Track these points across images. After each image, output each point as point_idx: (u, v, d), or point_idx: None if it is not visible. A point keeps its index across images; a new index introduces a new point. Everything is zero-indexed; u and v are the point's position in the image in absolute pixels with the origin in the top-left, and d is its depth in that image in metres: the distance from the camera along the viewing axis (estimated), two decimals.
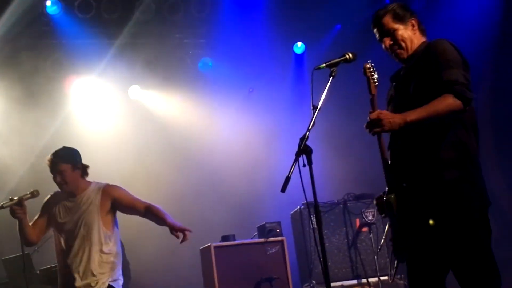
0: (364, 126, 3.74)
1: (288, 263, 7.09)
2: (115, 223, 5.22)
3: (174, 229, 5.02)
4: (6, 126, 8.11)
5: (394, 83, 4.06)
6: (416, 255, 3.82)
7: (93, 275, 5.01)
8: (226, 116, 8.78)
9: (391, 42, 3.98)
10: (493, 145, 7.64)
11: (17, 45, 8.03)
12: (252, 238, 7.26)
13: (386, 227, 4.29)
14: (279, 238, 7.16)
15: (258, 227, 7.28)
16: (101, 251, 5.06)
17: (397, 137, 3.79)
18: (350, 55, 4.02)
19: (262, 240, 7.13)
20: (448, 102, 3.61)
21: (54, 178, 5.14)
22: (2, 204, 5.14)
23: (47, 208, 5.23)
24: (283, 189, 3.61)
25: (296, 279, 7.30)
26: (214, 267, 6.92)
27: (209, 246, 7.01)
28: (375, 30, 4.05)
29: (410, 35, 4.00)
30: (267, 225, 7.20)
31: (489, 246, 3.63)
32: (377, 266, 6.69)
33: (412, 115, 3.63)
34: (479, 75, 6.93)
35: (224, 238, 7.17)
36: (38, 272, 6.68)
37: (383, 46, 4.02)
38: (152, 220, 5.21)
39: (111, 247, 5.12)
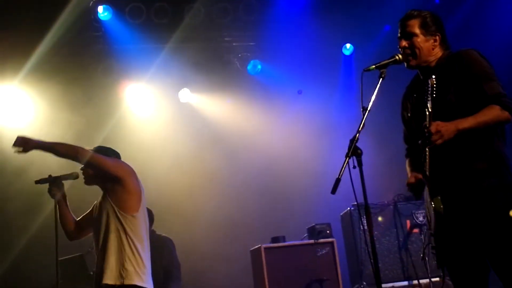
0: (420, 142, 3.79)
1: (338, 265, 7.08)
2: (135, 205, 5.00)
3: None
4: (58, 130, 8.25)
5: (414, 94, 4.14)
6: (459, 258, 3.89)
7: (109, 269, 4.83)
8: (275, 118, 8.81)
9: (406, 45, 4.04)
10: None
11: (69, 51, 8.14)
12: (302, 240, 7.26)
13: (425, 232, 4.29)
14: (329, 240, 7.15)
15: (308, 229, 7.28)
16: (121, 244, 4.86)
17: (435, 147, 3.79)
18: (400, 56, 4.05)
19: (312, 241, 7.13)
20: (497, 113, 3.74)
21: (82, 171, 5.12)
22: (40, 180, 5.21)
23: (95, 205, 5.18)
24: (333, 191, 3.63)
25: (346, 280, 7.27)
26: (264, 268, 6.94)
27: (259, 247, 7.04)
28: (399, 25, 4.11)
29: (428, 46, 4.06)
30: (317, 226, 7.20)
31: None
32: (428, 267, 6.62)
33: (464, 124, 3.72)
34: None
35: (274, 240, 7.19)
36: (92, 273, 6.77)
37: (398, 44, 4.08)
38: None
39: (132, 236, 4.88)
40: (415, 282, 6.76)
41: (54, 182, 5.16)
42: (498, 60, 4.00)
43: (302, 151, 8.62)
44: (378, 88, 3.86)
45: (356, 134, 3.72)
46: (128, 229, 4.86)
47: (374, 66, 3.97)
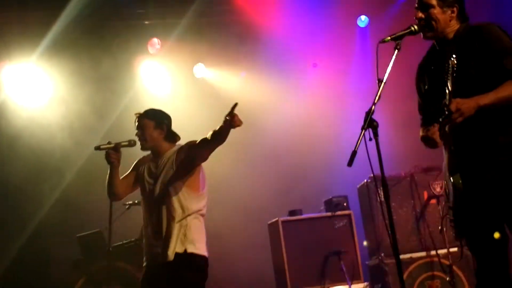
0: (440, 120, 3.79)
1: (356, 237, 7.11)
2: (199, 183, 5.12)
3: (230, 116, 4.90)
4: (76, 106, 8.30)
5: (431, 66, 4.11)
6: (479, 230, 3.90)
7: (170, 240, 4.93)
8: (290, 91, 8.79)
9: (423, 16, 4.01)
10: None
11: (84, 27, 8.14)
12: (319, 212, 7.29)
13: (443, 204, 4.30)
14: (346, 212, 7.18)
15: (325, 201, 7.31)
16: (182, 214, 4.98)
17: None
18: (416, 27, 4.03)
19: (329, 214, 7.16)
20: None
21: (136, 133, 5.19)
22: (100, 146, 5.25)
23: (137, 167, 5.27)
24: (350, 163, 3.63)
25: (364, 252, 7.30)
26: (282, 241, 6.98)
27: (277, 220, 7.08)
28: None
29: (444, 18, 4.02)
30: (334, 199, 7.22)
31: None
32: (446, 238, 6.63)
33: (484, 100, 3.72)
34: None
35: (292, 213, 7.21)
36: (110, 249, 6.84)
37: (415, 14, 4.05)
38: (217, 142, 5.09)
39: (194, 209, 5.03)
40: (433, 252, 6.77)
41: (113, 148, 5.23)
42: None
43: (317, 124, 8.61)
44: (394, 59, 3.84)
45: (372, 106, 3.71)
46: (191, 204, 5.01)
47: (389, 38, 3.94)
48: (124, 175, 5.30)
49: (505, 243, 3.91)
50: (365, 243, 7.03)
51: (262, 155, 8.56)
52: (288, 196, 8.10)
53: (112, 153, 5.21)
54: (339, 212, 7.14)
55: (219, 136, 5.03)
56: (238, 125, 4.90)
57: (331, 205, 7.20)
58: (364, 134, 3.66)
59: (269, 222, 7.26)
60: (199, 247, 4.99)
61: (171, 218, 4.97)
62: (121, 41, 8.47)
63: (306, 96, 8.76)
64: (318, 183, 8.24)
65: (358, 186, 7.46)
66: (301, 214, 7.21)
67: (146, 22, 8.55)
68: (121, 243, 6.66)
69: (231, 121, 4.85)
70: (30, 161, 8.07)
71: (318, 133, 8.56)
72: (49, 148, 8.11)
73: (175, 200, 4.99)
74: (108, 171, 5.21)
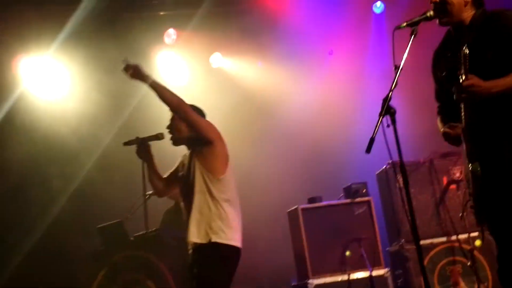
0: (453, 89, 3.82)
1: (376, 223, 7.11)
2: (218, 166, 5.08)
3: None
4: (96, 96, 8.34)
5: (447, 52, 4.10)
6: (500, 216, 3.90)
7: (195, 229, 4.95)
8: (307, 79, 8.78)
9: (437, 0, 3.99)
10: None
11: (100, 20, 8.19)
12: (338, 199, 7.29)
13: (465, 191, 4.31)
14: (366, 198, 7.17)
15: (344, 188, 7.31)
16: (206, 205, 4.97)
17: (473, 107, 3.84)
18: (432, 12, 4.02)
19: (348, 201, 7.16)
20: None
21: (167, 126, 5.22)
22: (128, 141, 5.34)
23: (181, 162, 5.28)
24: (368, 150, 3.64)
25: (384, 238, 7.30)
26: (302, 228, 6.99)
27: (297, 208, 7.09)
28: None
29: (460, 2, 4.00)
30: (353, 186, 7.21)
31: None
32: (466, 223, 6.61)
33: (498, 86, 3.74)
34: None
35: (311, 200, 7.22)
36: (132, 238, 6.90)
37: None
38: (169, 107, 5.06)
39: (218, 195, 4.99)
40: (454, 237, 6.76)
41: (141, 143, 5.28)
42: None
43: (334, 111, 8.60)
44: (410, 45, 3.84)
45: (389, 93, 3.71)
46: (214, 191, 4.97)
47: (405, 24, 3.95)
48: (168, 172, 5.34)
49: None
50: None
51: (280, 143, 8.57)
52: (307, 183, 8.11)
53: (140, 147, 5.28)
54: (358, 199, 7.14)
55: (166, 102, 5.03)
56: (131, 74, 4.96)
57: (350, 192, 7.20)
58: (381, 120, 3.67)
59: (289, 210, 7.27)
60: (224, 237, 4.93)
61: (196, 207, 4.97)
62: (137, 33, 8.49)
63: (323, 84, 8.75)
64: (337, 170, 8.25)
65: (377, 172, 7.45)
66: (320, 201, 7.21)
67: (162, 13, 8.58)
68: (143, 232, 6.67)
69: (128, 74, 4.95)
70: (47, 152, 8.14)
71: (336, 120, 8.55)
72: (67, 139, 8.18)
73: (198, 190, 4.99)
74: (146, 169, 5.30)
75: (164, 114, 5.20)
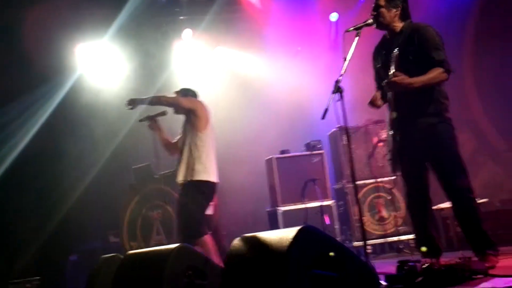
0: (384, 83, 3.89)
1: (326, 168, 7.12)
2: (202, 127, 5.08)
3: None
4: (140, 78, 8.08)
5: (383, 50, 4.09)
6: (408, 166, 4.02)
7: (182, 170, 4.98)
8: (282, 66, 8.63)
9: (374, 13, 4.01)
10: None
11: (136, 22, 7.94)
12: (301, 152, 7.27)
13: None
14: (320, 152, 7.17)
15: (305, 144, 7.29)
16: (190, 152, 4.97)
17: (398, 93, 3.91)
18: (371, 20, 4.00)
19: (308, 153, 7.15)
20: (441, 75, 3.80)
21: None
22: (142, 118, 5.34)
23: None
24: (323, 117, 3.65)
25: (332, 179, 7.32)
26: (275, 171, 7.00)
27: (272, 157, 7.08)
28: None
29: (390, 15, 4.00)
30: (312, 142, 7.21)
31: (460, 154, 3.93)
32: (390, 169, 6.60)
33: (417, 83, 3.78)
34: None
35: (282, 152, 7.21)
36: (157, 176, 6.84)
37: (371, 12, 4.05)
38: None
39: (200, 146, 5.01)
40: (379, 179, 6.78)
41: (151, 120, 5.24)
42: None
43: (301, 90, 8.45)
44: (355, 44, 3.82)
45: (339, 77, 3.71)
46: (198, 142, 4.95)
47: (352, 28, 3.93)
48: (176, 138, 5.33)
49: (426, 174, 4.00)
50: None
51: (265, 112, 8.42)
52: (279, 139, 7.98)
53: (151, 123, 5.23)
54: (315, 152, 7.13)
55: (161, 105, 5.18)
56: (132, 106, 5.02)
57: (309, 146, 7.19)
58: (333, 97, 3.66)
59: (266, 158, 7.25)
60: (204, 175, 4.93)
61: (184, 153, 4.99)
62: (164, 31, 8.33)
63: (294, 69, 8.60)
64: (300, 131, 8.16)
65: (328, 133, 7.43)
66: (288, 153, 7.20)
67: (181, 18, 8.43)
68: (164, 172, 6.66)
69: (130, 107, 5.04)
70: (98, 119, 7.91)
71: (301, 96, 8.42)
72: (110, 115, 7.85)
73: (188, 142, 5.01)
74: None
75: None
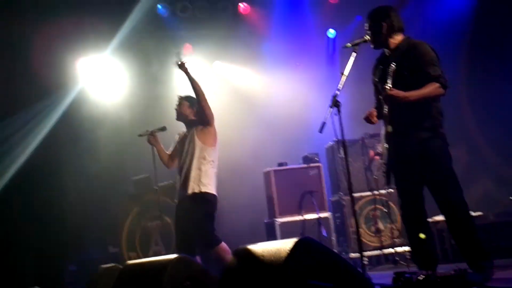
0: (381, 96, 3.89)
1: (323, 181, 7.12)
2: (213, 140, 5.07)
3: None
4: (142, 85, 8.13)
5: (381, 65, 4.08)
6: (402, 178, 4.01)
7: (192, 182, 4.95)
8: (282, 81, 8.62)
9: (370, 32, 4.04)
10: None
11: (138, 37, 7.94)
12: (298, 164, 7.27)
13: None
14: (317, 164, 7.18)
15: (302, 157, 7.30)
16: (201, 166, 4.95)
17: (394, 107, 3.88)
18: (367, 37, 4.03)
19: (305, 165, 7.15)
20: (437, 90, 3.80)
21: (180, 110, 5.17)
22: (141, 134, 5.33)
23: (179, 141, 5.26)
24: (320, 131, 3.66)
25: (329, 191, 7.32)
26: (273, 184, 7.00)
27: (270, 170, 7.08)
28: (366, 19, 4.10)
29: (384, 34, 4.01)
30: (309, 155, 7.22)
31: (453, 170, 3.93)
32: (385, 182, 6.59)
33: (413, 96, 3.77)
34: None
35: (280, 164, 7.22)
36: (156, 187, 6.80)
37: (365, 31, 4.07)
38: (198, 97, 5.01)
39: (208, 160, 4.99)
40: (376, 192, 6.78)
41: (150, 135, 5.24)
42: None
43: (299, 104, 8.42)
44: (353, 59, 3.84)
45: (336, 92, 3.72)
46: (207, 157, 4.96)
47: (349, 44, 3.95)
48: (170, 150, 5.29)
49: (420, 187, 4.00)
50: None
51: (263, 125, 8.40)
52: (277, 152, 7.97)
53: (150, 137, 5.23)
54: (312, 164, 7.13)
55: (194, 90, 4.95)
56: (179, 65, 4.89)
57: (306, 159, 7.20)
58: (331, 111, 3.67)
59: (264, 171, 7.24)
60: (210, 188, 4.97)
61: (194, 167, 4.96)
62: (165, 45, 8.33)
63: (293, 84, 8.58)
64: (298, 144, 8.14)
65: (325, 146, 7.44)
66: (286, 165, 7.20)
67: (181, 32, 8.44)
68: (163, 184, 6.63)
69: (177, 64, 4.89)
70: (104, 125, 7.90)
71: (299, 110, 8.40)
72: (111, 128, 7.82)
73: (197, 156, 4.98)
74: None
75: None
